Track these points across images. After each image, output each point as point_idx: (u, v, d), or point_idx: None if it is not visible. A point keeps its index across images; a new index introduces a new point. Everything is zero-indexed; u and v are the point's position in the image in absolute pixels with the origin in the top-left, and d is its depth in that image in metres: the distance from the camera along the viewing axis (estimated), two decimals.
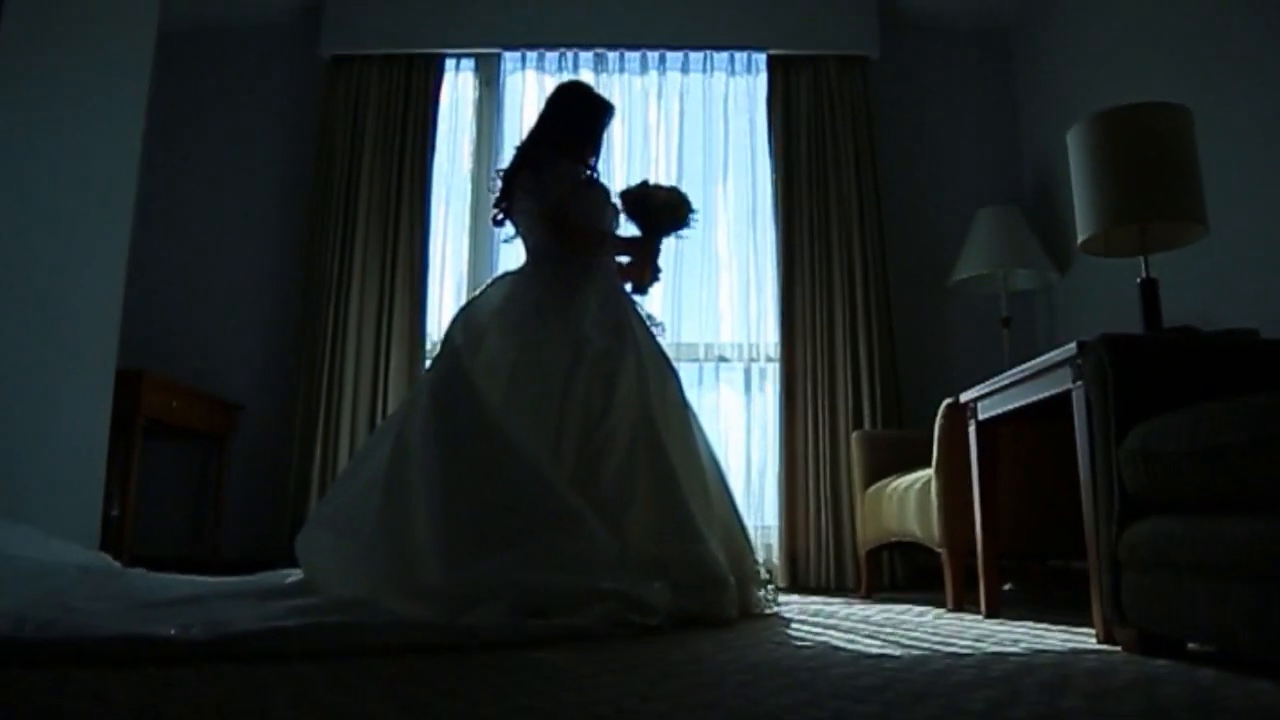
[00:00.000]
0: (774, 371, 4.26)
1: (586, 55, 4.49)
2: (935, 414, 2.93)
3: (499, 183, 2.93)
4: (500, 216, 2.93)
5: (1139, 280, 2.38)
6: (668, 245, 2.99)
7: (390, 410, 4.00)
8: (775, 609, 2.60)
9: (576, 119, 2.93)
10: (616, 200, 2.93)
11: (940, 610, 2.76)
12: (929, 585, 3.52)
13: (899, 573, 3.97)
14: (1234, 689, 1.31)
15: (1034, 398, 2.31)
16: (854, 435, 3.75)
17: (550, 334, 2.63)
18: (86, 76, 3.00)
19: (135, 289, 3.29)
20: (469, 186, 4.44)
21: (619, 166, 4.30)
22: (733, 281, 4.35)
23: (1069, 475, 2.09)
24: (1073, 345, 2.03)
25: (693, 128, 4.47)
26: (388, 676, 1.45)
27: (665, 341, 2.89)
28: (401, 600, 2.06)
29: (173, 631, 1.62)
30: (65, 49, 2.89)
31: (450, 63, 4.52)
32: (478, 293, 2.93)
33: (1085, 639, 1.98)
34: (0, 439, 2.62)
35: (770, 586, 2.64)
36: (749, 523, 2.86)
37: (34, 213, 2.77)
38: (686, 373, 3.63)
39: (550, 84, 4.09)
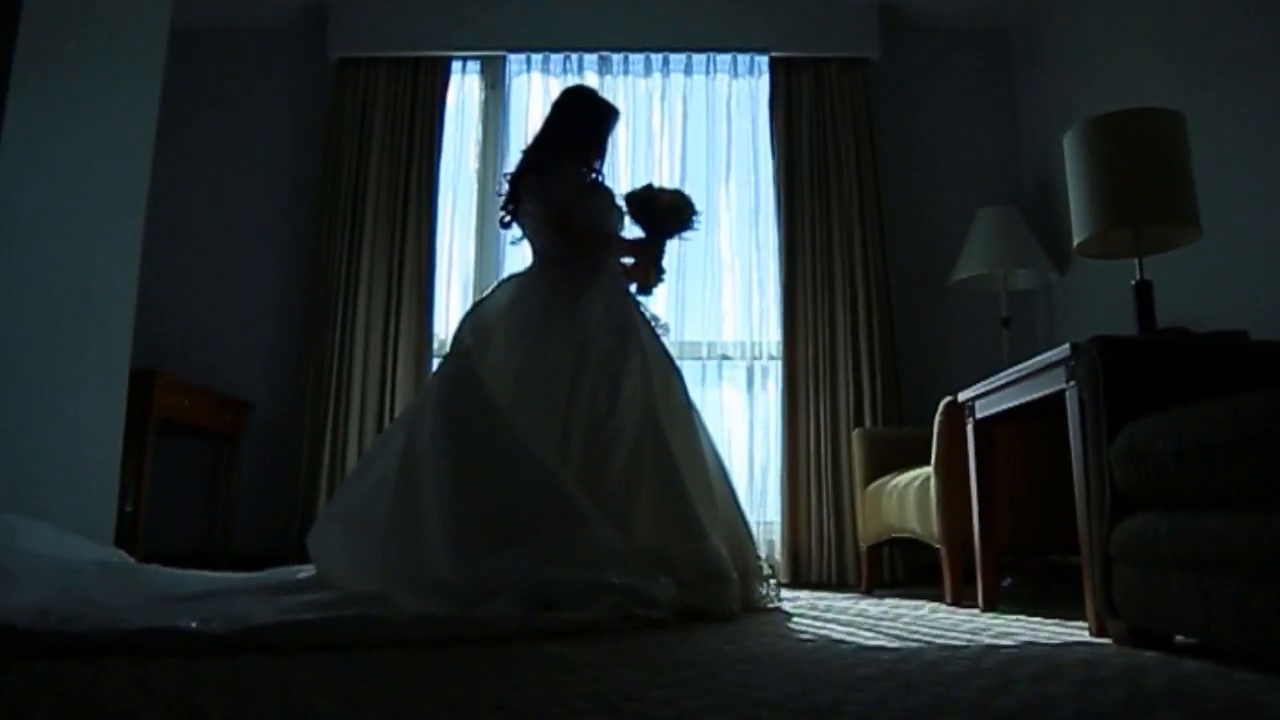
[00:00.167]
0: (776, 370, 4.31)
1: (591, 58, 4.53)
2: (935, 412, 2.98)
3: (506, 185, 2.98)
4: (507, 219, 2.97)
5: (1133, 282, 2.42)
6: (671, 246, 3.03)
7: (398, 408, 4.07)
8: (777, 604, 2.64)
9: (582, 123, 2.97)
10: (622, 203, 2.97)
11: (939, 605, 2.81)
12: (928, 581, 3.56)
13: (899, 568, 4.01)
14: (1217, 679, 1.35)
15: (1030, 397, 2.35)
16: (855, 433, 3.80)
17: (556, 335, 2.67)
18: (99, 77, 3.04)
19: (145, 289, 3.34)
20: (475, 188, 4.50)
21: (623, 167, 4.35)
22: (735, 281, 4.40)
23: (1065, 473, 2.14)
24: (1066, 346, 2.08)
25: (696, 129, 4.52)
26: (405, 667, 1.50)
27: (669, 340, 2.94)
28: (412, 597, 2.10)
29: (194, 624, 1.67)
30: (79, 50, 2.93)
31: (456, 65, 4.56)
32: (485, 294, 2.99)
33: (1078, 632, 2.03)
34: (18, 438, 2.68)
35: (772, 582, 2.69)
36: (751, 519, 2.91)
37: (50, 213, 2.81)
38: (690, 371, 3.69)
39: (555, 86, 4.16)
